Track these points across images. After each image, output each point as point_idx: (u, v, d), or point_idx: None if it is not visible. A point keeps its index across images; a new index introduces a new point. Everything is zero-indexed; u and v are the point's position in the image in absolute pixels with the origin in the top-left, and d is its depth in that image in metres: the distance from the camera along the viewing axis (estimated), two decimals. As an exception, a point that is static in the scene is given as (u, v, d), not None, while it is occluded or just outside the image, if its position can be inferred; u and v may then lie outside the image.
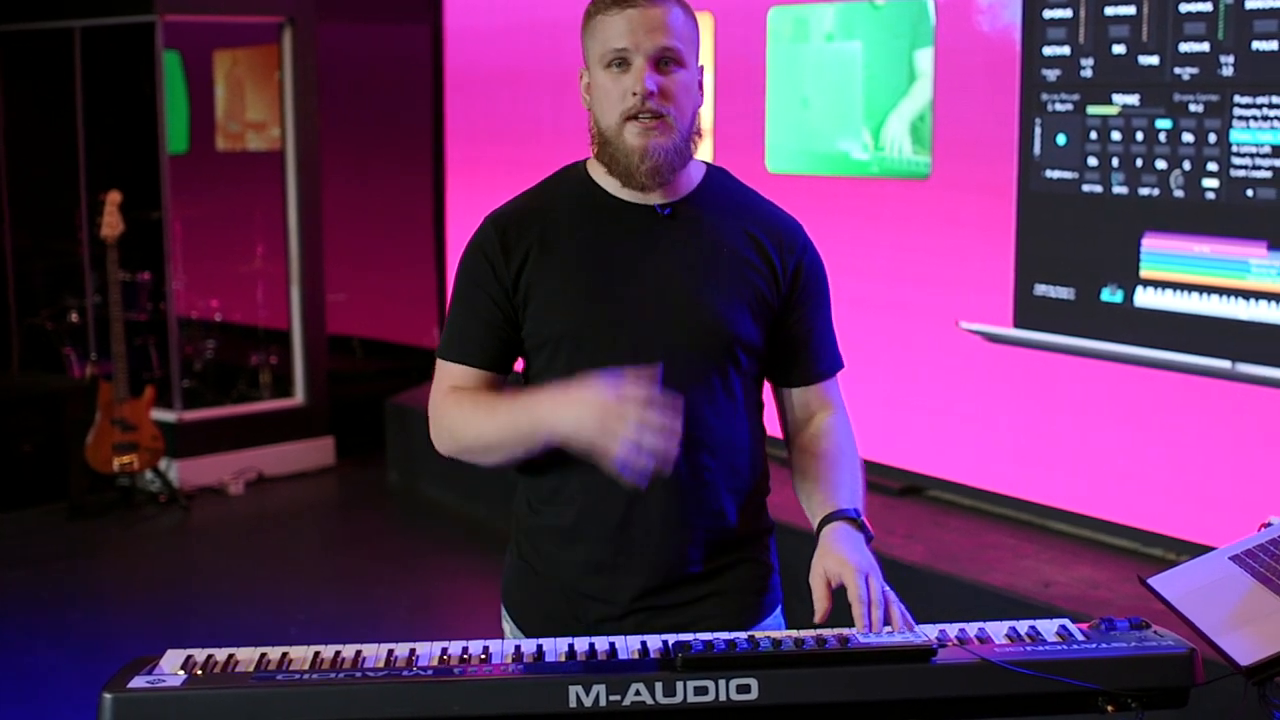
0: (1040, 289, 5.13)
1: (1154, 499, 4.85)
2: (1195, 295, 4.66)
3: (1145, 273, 4.80)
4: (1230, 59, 4.47)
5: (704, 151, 6.11)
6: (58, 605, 6.16)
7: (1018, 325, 5.22)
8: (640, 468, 2.20)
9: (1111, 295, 4.90)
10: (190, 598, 6.43)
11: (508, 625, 2.59)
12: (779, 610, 2.57)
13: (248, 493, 7.82)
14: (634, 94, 2.36)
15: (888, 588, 2.27)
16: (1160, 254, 4.75)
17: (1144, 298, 4.80)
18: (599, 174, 2.48)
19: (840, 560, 2.30)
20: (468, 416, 2.43)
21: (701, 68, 2.47)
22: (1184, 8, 4.58)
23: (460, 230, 8.05)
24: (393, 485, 7.98)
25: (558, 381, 2.39)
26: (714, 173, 2.54)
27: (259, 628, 5.84)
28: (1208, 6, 4.52)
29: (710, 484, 2.45)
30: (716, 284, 2.43)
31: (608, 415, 2.21)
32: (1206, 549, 4.49)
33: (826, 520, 2.40)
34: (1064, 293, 5.05)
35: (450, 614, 6.29)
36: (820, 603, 2.27)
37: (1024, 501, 5.30)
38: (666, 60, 2.38)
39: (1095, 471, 5.03)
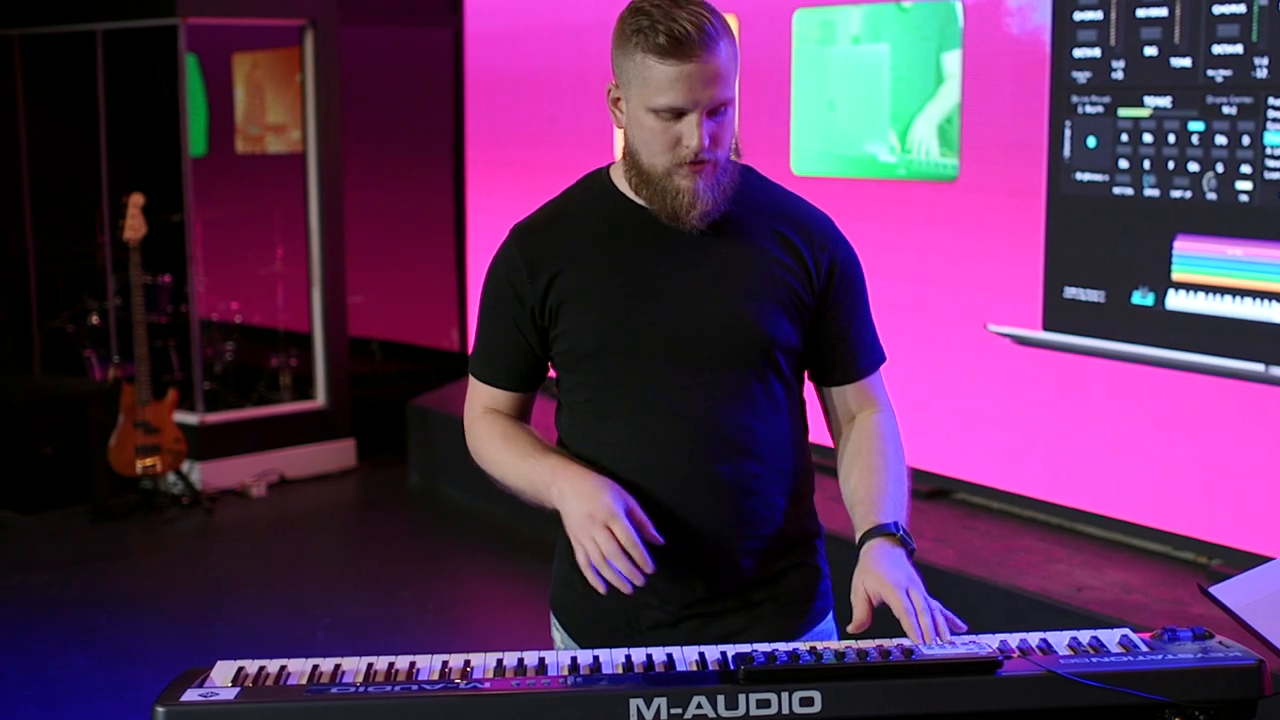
0: (1070, 291, 5.11)
1: (1185, 503, 4.83)
2: (1228, 298, 4.63)
3: (1177, 275, 4.77)
4: (1264, 61, 4.45)
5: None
6: (81, 608, 6.16)
7: (1047, 328, 5.20)
8: (594, 581, 2.27)
9: (1142, 298, 4.88)
10: (213, 600, 6.42)
11: (557, 634, 2.58)
12: (831, 615, 2.56)
13: (270, 495, 7.83)
14: (688, 147, 2.31)
15: (931, 599, 2.25)
16: (1192, 257, 4.73)
17: (1175, 300, 4.78)
18: (625, 183, 2.45)
19: (879, 579, 2.27)
20: (497, 455, 2.49)
21: (737, 73, 2.43)
22: (1217, 9, 4.56)
23: (480, 232, 8.05)
24: (414, 487, 7.98)
25: (595, 396, 2.43)
26: (743, 173, 2.49)
27: (283, 630, 5.84)
28: (1241, 8, 4.50)
29: (757, 490, 2.43)
30: (750, 289, 2.41)
31: (591, 525, 2.27)
32: (1238, 552, 4.51)
33: (867, 535, 2.38)
34: (1094, 295, 5.03)
35: (475, 615, 6.29)
36: (858, 618, 2.26)
37: (1054, 505, 5.28)
38: (718, 107, 2.32)
39: (1126, 475, 5.01)
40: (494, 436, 2.50)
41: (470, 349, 2.56)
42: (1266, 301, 4.53)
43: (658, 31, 2.26)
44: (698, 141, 2.30)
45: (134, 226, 7.27)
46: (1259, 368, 4.58)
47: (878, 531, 2.37)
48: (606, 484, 2.32)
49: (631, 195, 2.44)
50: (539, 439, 2.49)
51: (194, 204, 7.83)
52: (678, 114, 2.30)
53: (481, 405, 2.54)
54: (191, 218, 7.84)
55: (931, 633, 2.18)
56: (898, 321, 5.64)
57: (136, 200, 7.31)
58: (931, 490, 5.69)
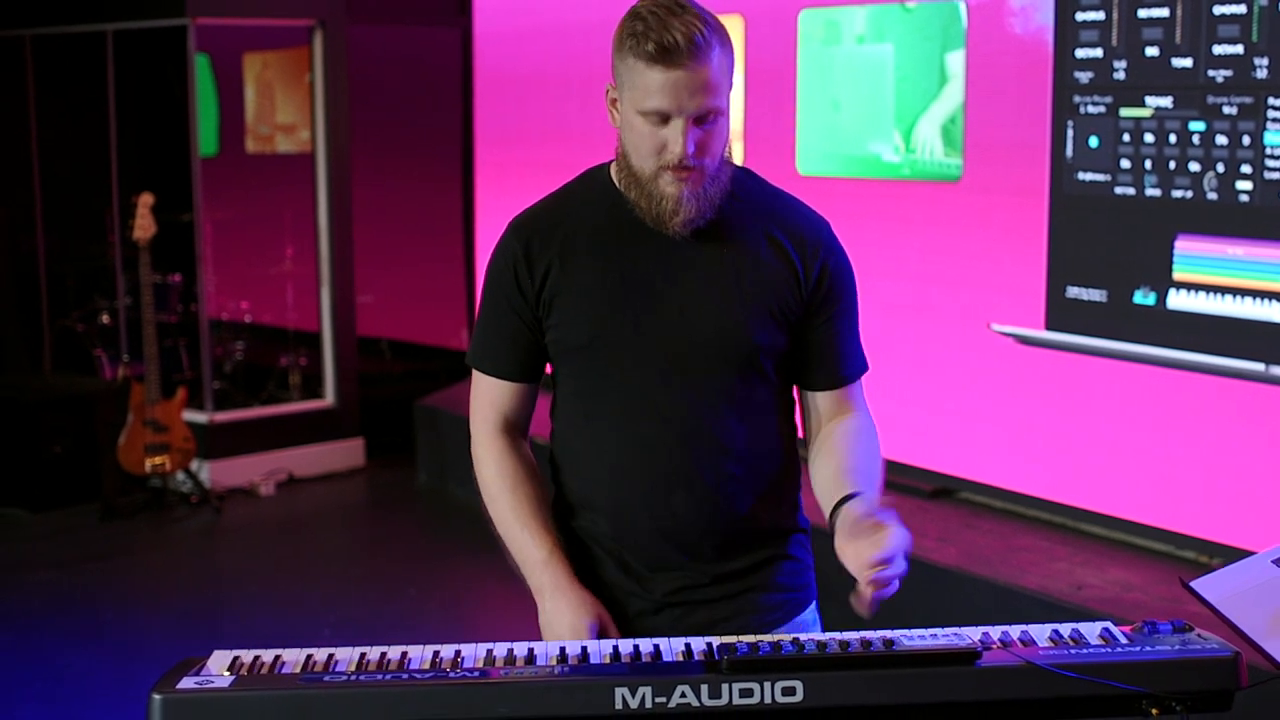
0: (1072, 291, 5.13)
1: (1187, 502, 4.85)
2: (1228, 298, 4.65)
3: (1178, 275, 4.79)
4: (1264, 61, 4.47)
5: (735, 154, 6.13)
6: (90, 606, 6.19)
7: (1049, 328, 5.22)
8: None
9: (1144, 298, 4.90)
10: (221, 598, 6.46)
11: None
12: (813, 606, 2.58)
13: (278, 494, 7.86)
14: (673, 153, 2.34)
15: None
16: (1193, 256, 4.74)
17: (1177, 300, 4.80)
18: (622, 185, 2.48)
19: (879, 534, 2.19)
20: (498, 499, 2.53)
21: (731, 84, 2.44)
22: (1217, 10, 4.58)
23: (489, 232, 8.07)
24: (422, 486, 8.01)
25: (583, 389, 2.48)
26: (739, 176, 2.51)
27: (291, 628, 5.87)
28: (1241, 9, 4.52)
29: (739, 490, 2.47)
30: (740, 294, 2.44)
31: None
32: (1239, 551, 4.53)
33: (840, 503, 2.34)
34: (1096, 295, 5.05)
35: (480, 614, 6.31)
36: (865, 597, 2.18)
37: (1056, 504, 5.30)
38: (707, 115, 2.34)
39: (1128, 474, 5.03)
40: (502, 478, 2.53)
41: (470, 345, 2.61)
42: (1267, 301, 4.54)
43: (649, 39, 2.30)
44: (681, 148, 2.33)
45: (144, 226, 7.31)
46: (1259, 367, 4.60)
47: (852, 497, 2.34)
48: (591, 614, 2.41)
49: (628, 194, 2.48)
50: (541, 498, 2.54)
51: (204, 203, 7.87)
52: (665, 119, 2.33)
53: (489, 404, 2.56)
54: (201, 217, 7.88)
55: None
56: (901, 321, 5.67)
57: (146, 200, 7.34)
58: (934, 489, 5.71)
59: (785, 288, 2.46)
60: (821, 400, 2.55)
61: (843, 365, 2.53)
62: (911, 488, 5.73)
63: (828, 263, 2.49)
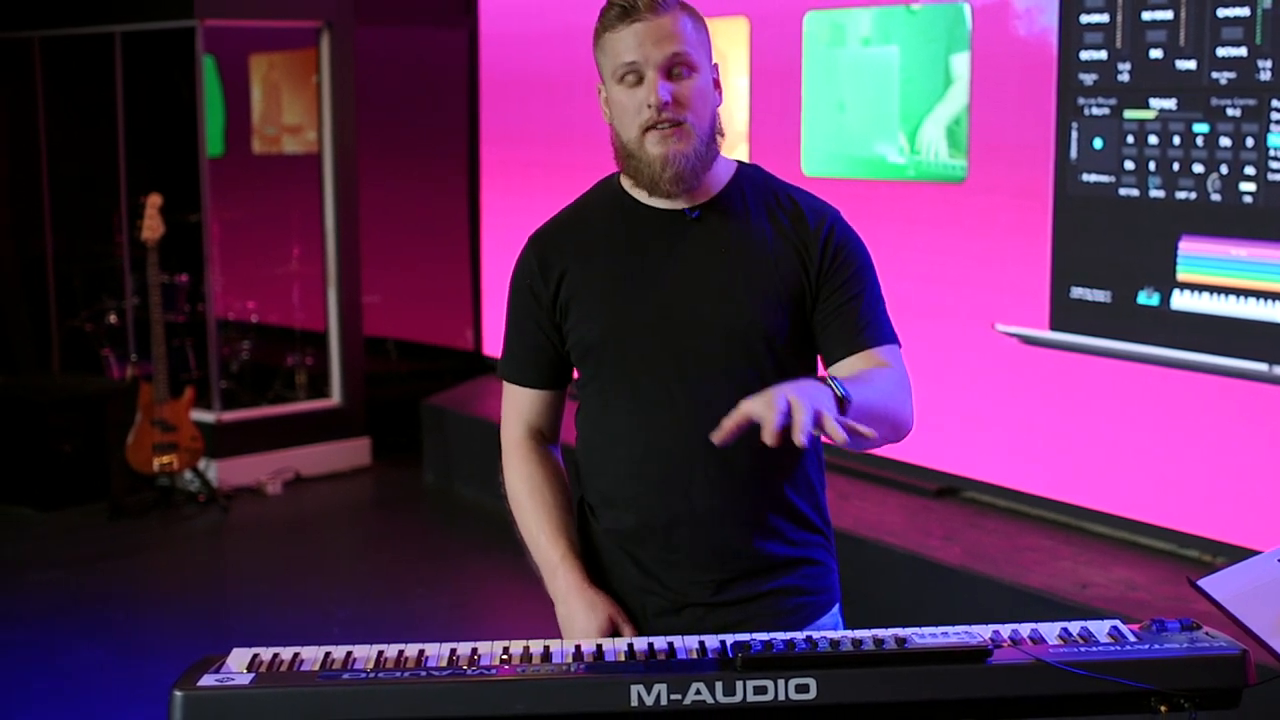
0: (1077, 292, 5.15)
1: (1191, 501, 4.87)
2: (1232, 298, 4.68)
3: (1182, 276, 4.82)
4: (1268, 63, 4.49)
5: (740, 155, 6.15)
6: (98, 604, 6.22)
7: (1054, 328, 5.25)
8: None
9: (1148, 298, 4.93)
10: (229, 597, 6.49)
11: None
12: (836, 609, 2.59)
13: (285, 493, 7.89)
14: (649, 105, 2.40)
15: (814, 408, 2.10)
16: (1197, 257, 4.77)
17: (1180, 301, 4.83)
18: (630, 184, 2.53)
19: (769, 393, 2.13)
20: (523, 511, 2.61)
21: (716, 65, 2.50)
22: (1221, 12, 4.61)
23: (495, 233, 8.10)
24: (428, 485, 8.03)
25: (602, 386, 2.51)
26: (744, 170, 2.56)
27: (298, 626, 5.90)
28: (1245, 11, 4.54)
29: (757, 482, 2.48)
30: (746, 281, 2.46)
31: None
32: (1243, 550, 4.55)
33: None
34: (1100, 295, 5.08)
35: (488, 613, 6.34)
36: (725, 424, 2.15)
37: (1060, 503, 5.33)
38: (677, 67, 2.42)
39: (1132, 473, 5.05)
40: (524, 482, 2.61)
41: (500, 355, 2.69)
42: (1270, 301, 4.57)
43: (613, 7, 2.44)
44: (656, 97, 2.39)
45: (152, 226, 7.34)
46: (1262, 367, 4.62)
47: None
48: (602, 615, 2.48)
49: (635, 194, 2.53)
50: (561, 504, 2.59)
51: (211, 204, 7.89)
52: (638, 77, 2.41)
53: (515, 412, 2.63)
54: (209, 218, 7.90)
55: (779, 423, 2.08)
56: (906, 321, 5.64)
57: (154, 200, 7.37)
58: (939, 488, 5.74)
59: (795, 273, 2.48)
60: (848, 367, 2.46)
61: (863, 329, 2.47)
62: (916, 487, 5.76)
63: (833, 237, 2.50)
